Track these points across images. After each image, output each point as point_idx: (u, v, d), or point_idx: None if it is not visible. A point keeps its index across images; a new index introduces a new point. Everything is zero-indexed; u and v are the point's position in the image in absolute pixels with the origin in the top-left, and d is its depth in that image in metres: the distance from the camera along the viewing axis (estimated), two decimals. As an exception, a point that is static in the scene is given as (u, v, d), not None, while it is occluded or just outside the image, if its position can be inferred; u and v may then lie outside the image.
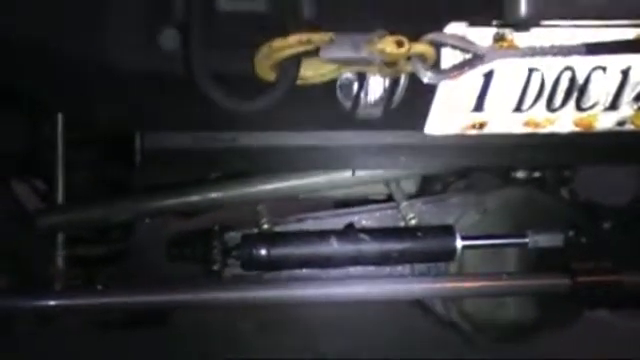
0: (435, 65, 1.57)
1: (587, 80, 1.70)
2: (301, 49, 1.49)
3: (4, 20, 1.50)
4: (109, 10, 1.51)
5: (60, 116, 2.01)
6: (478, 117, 1.73)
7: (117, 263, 2.28)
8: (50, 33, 1.52)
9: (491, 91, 1.69)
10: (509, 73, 1.67)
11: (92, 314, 2.29)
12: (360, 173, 2.13)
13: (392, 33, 1.49)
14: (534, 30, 1.58)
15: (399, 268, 2.28)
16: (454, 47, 1.58)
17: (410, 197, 2.32)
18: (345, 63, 1.54)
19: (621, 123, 1.78)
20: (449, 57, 1.59)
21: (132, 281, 2.27)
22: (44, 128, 2.11)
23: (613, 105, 1.75)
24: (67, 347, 3.18)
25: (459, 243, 2.14)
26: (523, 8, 1.49)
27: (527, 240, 2.21)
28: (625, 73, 1.70)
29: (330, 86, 1.63)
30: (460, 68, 1.59)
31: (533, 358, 3.11)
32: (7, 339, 2.21)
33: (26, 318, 2.18)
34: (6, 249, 2.08)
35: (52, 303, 2.01)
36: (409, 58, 1.52)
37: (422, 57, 1.54)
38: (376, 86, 1.64)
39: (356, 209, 2.34)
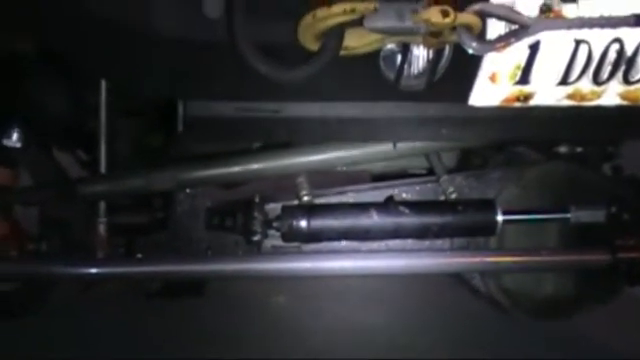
0: (481, 36, 1.56)
1: (636, 52, 1.67)
2: (345, 18, 1.49)
3: None
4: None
5: (104, 83, 2.02)
6: (523, 89, 1.72)
7: (157, 232, 2.29)
8: (96, 1, 1.53)
9: (537, 63, 1.67)
10: (555, 45, 1.65)
11: (131, 283, 2.29)
12: (401, 146, 2.10)
13: (438, 2, 1.48)
14: (582, 0, 1.56)
15: (438, 242, 2.28)
16: (500, 17, 1.57)
17: (450, 171, 2.30)
18: (389, 33, 1.52)
19: (670, 97, 1.76)
20: (495, 28, 1.59)
21: (171, 250, 2.28)
22: (88, 97, 2.11)
23: (663, 79, 1.72)
24: (103, 314, 3.23)
25: (500, 218, 2.12)
26: (571, -22, 1.47)
27: (569, 215, 2.19)
28: (675, 46, 1.68)
29: (373, 57, 1.62)
30: (506, 39, 1.58)
31: (568, 335, 3.13)
32: (45, 305, 2.22)
33: (65, 286, 2.18)
34: (49, 216, 2.10)
35: (93, 271, 2.01)
36: (454, 28, 1.51)
37: (468, 27, 1.52)
38: (420, 57, 1.64)
39: (396, 182, 2.33)
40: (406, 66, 1.64)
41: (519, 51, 1.65)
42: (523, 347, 3.06)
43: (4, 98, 2.04)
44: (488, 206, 2.14)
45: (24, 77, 2.06)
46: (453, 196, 2.23)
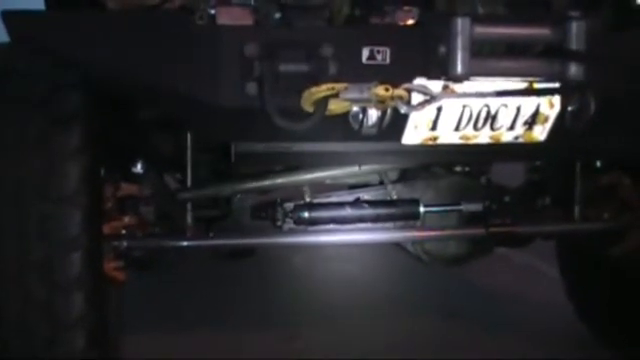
0: (408, 102, 1.55)
1: (496, 112, 1.68)
2: (329, 93, 1.48)
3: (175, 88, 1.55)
4: (222, 76, 1.54)
5: (189, 134, 2.01)
6: (433, 134, 1.71)
7: (222, 220, 2.26)
8: (190, 90, 1.55)
9: (441, 118, 1.67)
10: (451, 107, 1.65)
11: (208, 251, 2.27)
12: (364, 167, 2.09)
13: (382, 83, 1.48)
14: (466, 82, 1.55)
15: (387, 224, 2.21)
16: (419, 92, 1.56)
17: (393, 182, 2.25)
18: (354, 101, 1.52)
19: (516, 138, 1.76)
20: (416, 97, 1.58)
21: (230, 231, 2.24)
22: (181, 143, 2.09)
23: (512, 127, 1.72)
24: (194, 271, 3.26)
25: (422, 209, 2.12)
26: (459, 69, 1.48)
27: (462, 207, 2.19)
28: (518, 108, 1.69)
29: (346, 115, 1.61)
30: (423, 104, 1.57)
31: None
32: (156, 268, 2.19)
33: (169, 253, 2.15)
34: (159, 212, 2.07)
35: (185, 243, 2.03)
36: (393, 98, 1.51)
37: (400, 97, 1.52)
38: (373, 115, 1.62)
39: (361, 189, 2.28)
40: (365, 120, 1.62)
41: (430, 111, 1.64)
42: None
43: (134, 144, 2.03)
44: (415, 203, 2.14)
45: (145, 132, 2.06)
46: (395, 197, 2.20)
